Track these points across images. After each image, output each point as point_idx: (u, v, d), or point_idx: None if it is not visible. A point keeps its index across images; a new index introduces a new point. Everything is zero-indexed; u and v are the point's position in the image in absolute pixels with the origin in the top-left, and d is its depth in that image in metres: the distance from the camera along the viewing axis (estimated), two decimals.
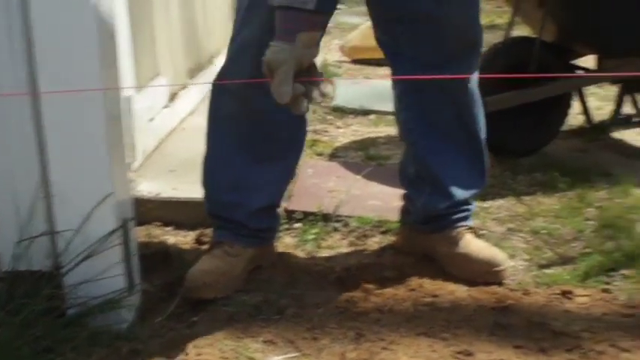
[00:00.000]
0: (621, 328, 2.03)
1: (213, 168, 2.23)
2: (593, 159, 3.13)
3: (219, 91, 2.17)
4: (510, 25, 3.25)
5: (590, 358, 1.90)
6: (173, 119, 3.20)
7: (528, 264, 2.38)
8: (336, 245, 2.46)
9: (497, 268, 2.25)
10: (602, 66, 3.19)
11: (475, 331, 2.02)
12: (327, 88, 1.78)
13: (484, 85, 3.03)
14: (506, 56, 3.07)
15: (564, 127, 3.37)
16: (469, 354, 1.91)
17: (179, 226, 2.51)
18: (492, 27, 5.27)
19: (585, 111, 3.43)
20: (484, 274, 2.24)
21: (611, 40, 2.95)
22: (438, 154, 2.26)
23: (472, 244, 2.30)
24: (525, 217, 2.66)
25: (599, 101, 3.69)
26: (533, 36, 3.11)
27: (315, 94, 1.73)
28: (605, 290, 2.23)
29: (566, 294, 2.20)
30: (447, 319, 2.06)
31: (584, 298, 2.18)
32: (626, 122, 3.39)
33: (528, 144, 3.13)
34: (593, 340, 1.96)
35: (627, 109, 3.39)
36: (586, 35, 3.01)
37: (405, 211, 2.41)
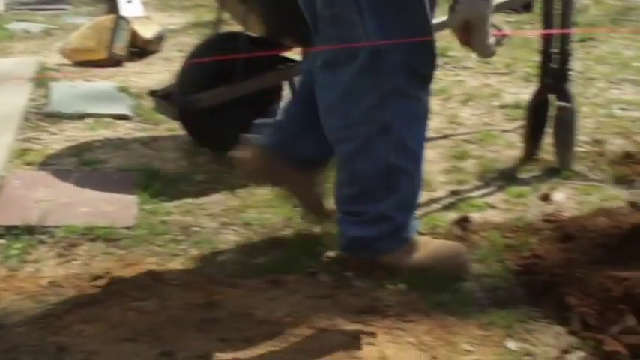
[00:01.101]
0: (322, 309, 2.11)
1: None
2: None
3: None
4: (218, 21, 3.29)
5: (290, 342, 1.96)
6: None
7: (239, 256, 2.42)
8: (42, 258, 2.37)
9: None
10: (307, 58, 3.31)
11: (181, 329, 2.02)
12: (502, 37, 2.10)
13: (193, 83, 3.09)
14: (214, 52, 3.09)
15: None
16: (171, 353, 1.91)
17: None
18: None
19: None
20: None
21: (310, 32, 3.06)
22: None
23: None
24: (238, 209, 2.71)
25: None
26: (242, 31, 3.16)
27: (501, 41, 2.06)
28: (310, 274, 2.32)
29: (273, 282, 2.26)
30: (152, 321, 2.04)
31: (290, 284, 2.25)
32: None
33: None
34: (293, 324, 2.03)
35: None
36: (288, 28, 3.10)
37: None
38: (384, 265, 2.30)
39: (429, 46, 2.22)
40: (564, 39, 2.92)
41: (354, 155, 2.27)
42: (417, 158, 2.31)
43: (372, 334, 1.99)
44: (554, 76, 2.95)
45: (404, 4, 2.16)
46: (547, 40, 2.95)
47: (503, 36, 2.12)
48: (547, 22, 2.94)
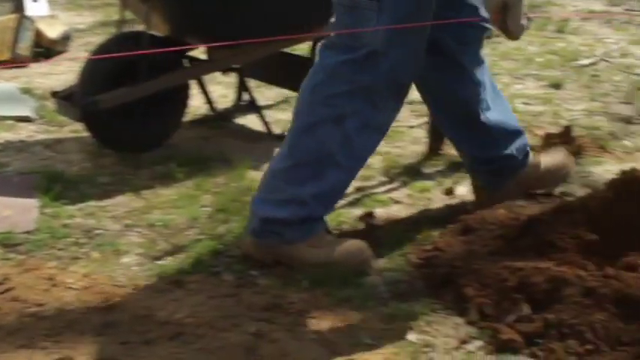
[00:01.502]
0: (224, 309, 2.11)
1: None
2: (215, 146, 3.22)
3: None
4: (121, 20, 3.24)
5: (191, 343, 1.95)
6: None
7: (142, 258, 2.40)
8: None
9: None
10: (211, 56, 3.29)
11: (80, 334, 1.99)
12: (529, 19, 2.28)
13: (95, 83, 3.04)
14: (115, 52, 3.05)
15: (191, 117, 3.44)
16: (70, 359, 1.88)
17: None
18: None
19: (208, 100, 3.52)
20: None
21: (214, 30, 3.05)
22: None
23: None
24: (142, 211, 2.68)
25: (226, 89, 3.80)
26: (147, 30, 3.12)
27: (530, 23, 2.26)
28: (213, 274, 2.31)
29: (175, 283, 2.25)
30: (50, 327, 2.01)
31: (193, 285, 2.24)
32: (248, 108, 3.52)
33: (148, 138, 3.15)
34: (195, 325, 2.02)
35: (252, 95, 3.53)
36: (191, 27, 3.08)
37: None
38: (287, 257, 2.32)
39: (419, 59, 2.35)
40: None
41: (303, 131, 2.35)
42: (356, 160, 2.40)
43: (274, 332, 2.00)
44: None
45: (416, 19, 2.28)
46: None
47: (529, 18, 2.30)
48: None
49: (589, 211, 2.30)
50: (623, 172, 2.33)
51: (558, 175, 2.77)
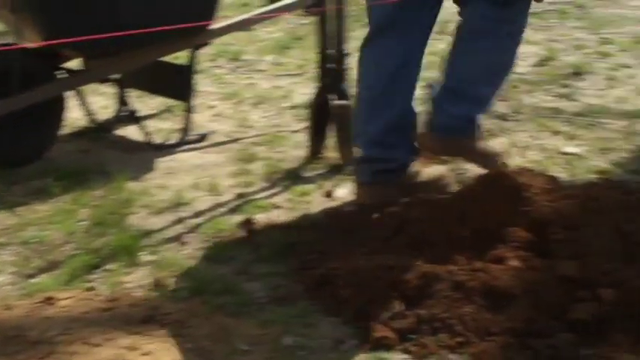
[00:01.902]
0: (98, 324, 2.07)
1: None
2: (94, 159, 3.17)
3: None
4: None
5: None
6: None
7: (15, 277, 2.34)
8: None
9: None
10: (88, 67, 3.24)
11: None
12: None
13: None
14: None
15: (70, 130, 3.38)
16: None
17: None
18: None
19: (87, 111, 3.46)
20: None
21: (87, 42, 3.00)
22: None
23: None
24: (16, 228, 2.61)
25: (107, 100, 3.74)
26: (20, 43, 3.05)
27: None
28: (88, 289, 2.27)
29: (48, 300, 2.20)
30: None
31: (67, 301, 2.19)
32: (129, 119, 3.48)
33: (23, 152, 3.07)
34: (67, 342, 1.98)
35: (133, 106, 3.49)
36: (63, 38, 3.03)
37: None
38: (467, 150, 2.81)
39: None
40: (340, 40, 3.01)
41: None
42: None
43: (148, 344, 1.98)
44: (331, 76, 3.04)
45: None
46: (323, 41, 3.04)
47: None
48: (322, 25, 3.03)
49: (459, 206, 2.36)
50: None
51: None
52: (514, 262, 2.17)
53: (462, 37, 2.78)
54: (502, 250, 2.22)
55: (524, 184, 2.34)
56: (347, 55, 3.04)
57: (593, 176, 2.93)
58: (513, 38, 2.79)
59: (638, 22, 4.96)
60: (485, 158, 2.81)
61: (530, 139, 3.32)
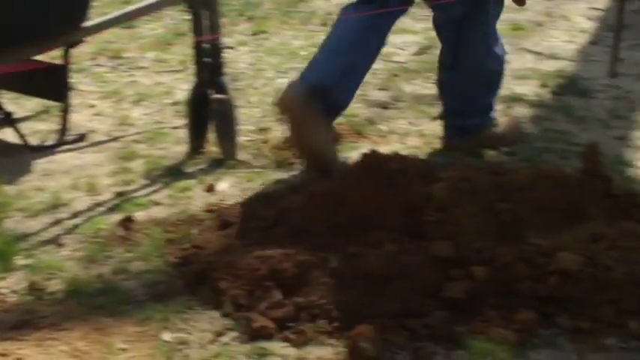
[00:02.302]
0: None
1: None
2: None
3: None
4: None
5: None
6: None
7: None
8: None
9: None
10: None
11: None
12: None
13: None
14: None
15: None
16: None
17: None
18: None
19: None
20: None
21: None
22: None
23: None
24: None
25: None
26: None
27: None
28: None
29: None
30: None
31: None
32: (4, 121, 3.38)
33: None
34: None
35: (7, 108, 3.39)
36: None
37: None
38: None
39: None
40: (214, 33, 3.00)
41: None
42: None
43: (22, 349, 1.94)
44: (208, 70, 3.03)
45: None
46: (199, 35, 3.02)
47: None
48: (197, 19, 3.01)
49: (336, 194, 2.39)
50: (364, 155, 2.44)
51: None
52: (389, 246, 2.22)
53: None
54: (377, 235, 2.26)
55: (399, 170, 2.39)
56: (223, 48, 3.03)
57: (469, 159, 3.01)
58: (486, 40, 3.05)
59: (514, 10, 5.12)
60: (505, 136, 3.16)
61: (410, 126, 3.38)
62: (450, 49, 3.05)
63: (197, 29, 3.04)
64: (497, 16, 3.07)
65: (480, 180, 2.42)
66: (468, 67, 3.03)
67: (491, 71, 3.11)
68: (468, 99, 3.09)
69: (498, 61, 3.10)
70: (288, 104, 2.86)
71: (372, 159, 2.40)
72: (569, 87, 3.75)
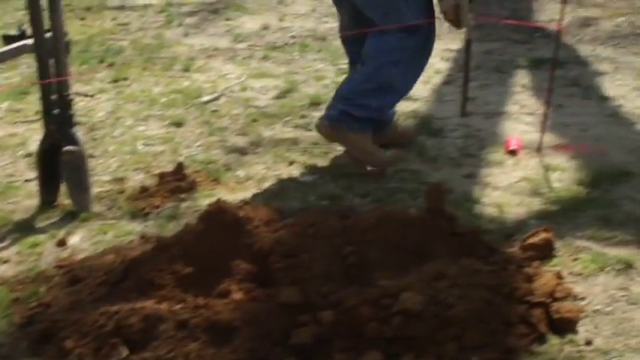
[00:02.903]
0: None
1: None
2: None
3: None
4: None
5: None
6: None
7: None
8: None
9: None
10: None
11: None
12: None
13: None
14: None
15: None
16: None
17: None
18: None
19: None
20: None
21: None
22: None
23: None
24: None
25: None
26: None
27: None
28: None
29: None
30: None
31: None
32: None
33: None
34: None
35: None
36: None
37: None
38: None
39: None
40: (62, 86, 2.96)
41: None
42: None
43: None
44: (57, 122, 2.98)
45: None
46: (45, 87, 2.97)
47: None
48: (43, 71, 2.97)
49: (184, 245, 2.39)
50: (210, 205, 2.45)
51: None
52: (237, 295, 2.23)
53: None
54: (226, 285, 2.27)
55: (245, 218, 2.41)
56: (71, 99, 2.99)
57: (324, 202, 3.07)
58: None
59: None
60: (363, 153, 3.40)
61: (267, 171, 3.42)
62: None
63: (42, 82, 2.99)
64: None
65: (327, 224, 2.46)
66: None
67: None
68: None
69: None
70: None
71: (219, 208, 2.42)
72: (423, 127, 3.87)
